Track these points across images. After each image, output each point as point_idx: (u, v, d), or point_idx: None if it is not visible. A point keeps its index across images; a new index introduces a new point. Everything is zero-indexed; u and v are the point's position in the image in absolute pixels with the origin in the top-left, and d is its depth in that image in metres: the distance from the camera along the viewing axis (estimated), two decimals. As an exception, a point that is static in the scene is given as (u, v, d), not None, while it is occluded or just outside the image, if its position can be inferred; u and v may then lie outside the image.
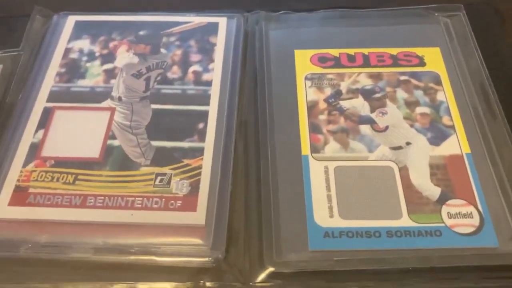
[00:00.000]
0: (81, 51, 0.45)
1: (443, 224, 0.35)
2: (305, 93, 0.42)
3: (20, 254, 0.34)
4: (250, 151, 0.39)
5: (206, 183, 0.37)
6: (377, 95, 0.42)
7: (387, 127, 0.40)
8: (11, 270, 0.34)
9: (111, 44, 0.46)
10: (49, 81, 0.43)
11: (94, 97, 0.42)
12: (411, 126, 0.40)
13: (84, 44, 0.46)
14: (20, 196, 0.36)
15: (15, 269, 0.34)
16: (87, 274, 0.33)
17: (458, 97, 0.42)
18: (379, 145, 0.39)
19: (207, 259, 0.34)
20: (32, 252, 0.34)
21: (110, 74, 0.43)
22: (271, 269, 0.33)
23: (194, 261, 0.34)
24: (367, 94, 0.42)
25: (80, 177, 0.37)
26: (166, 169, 0.37)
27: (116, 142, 0.39)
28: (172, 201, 0.36)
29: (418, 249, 0.34)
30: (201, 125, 0.40)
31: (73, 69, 0.44)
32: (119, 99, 0.42)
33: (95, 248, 0.34)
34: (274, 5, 0.49)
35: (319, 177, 0.37)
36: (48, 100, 0.42)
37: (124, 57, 0.45)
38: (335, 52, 0.45)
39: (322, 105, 0.41)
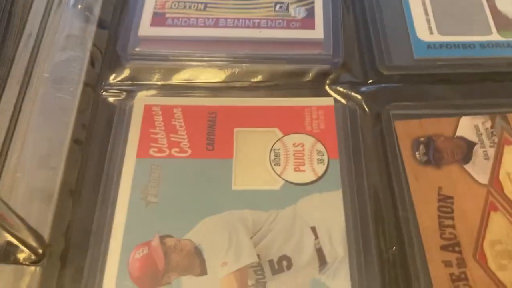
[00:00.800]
0: None
1: (527, 40, 0.41)
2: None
3: (163, 64, 0.41)
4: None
5: (320, 9, 0.42)
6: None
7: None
8: (156, 72, 0.41)
9: None
10: None
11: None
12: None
13: None
14: (159, 20, 0.42)
15: (158, 71, 0.41)
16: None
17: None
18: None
19: (328, 65, 0.40)
20: (174, 61, 0.41)
21: None
22: (383, 72, 0.39)
23: (317, 67, 0.40)
24: None
25: (209, 5, 0.43)
26: (285, -1, 0.43)
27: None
28: (293, 22, 0.41)
29: (508, 57, 0.40)
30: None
31: None
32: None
33: (231, 58, 0.40)
34: None
35: (417, 3, 0.43)
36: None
37: None
38: None
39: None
